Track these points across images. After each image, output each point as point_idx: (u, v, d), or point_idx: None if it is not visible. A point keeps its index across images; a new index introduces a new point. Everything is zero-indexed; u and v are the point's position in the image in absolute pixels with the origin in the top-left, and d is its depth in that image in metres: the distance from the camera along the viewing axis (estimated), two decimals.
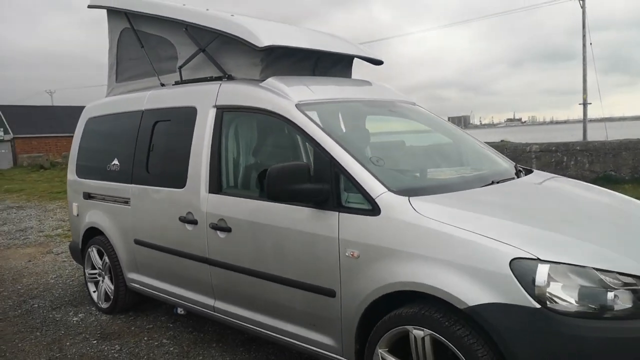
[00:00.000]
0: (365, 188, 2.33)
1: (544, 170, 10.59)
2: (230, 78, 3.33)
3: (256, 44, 3.01)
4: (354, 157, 2.44)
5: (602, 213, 2.58)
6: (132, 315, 4.06)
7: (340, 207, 2.42)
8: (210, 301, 3.18)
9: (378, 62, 3.90)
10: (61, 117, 38.57)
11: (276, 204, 2.62)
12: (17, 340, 3.67)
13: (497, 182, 2.72)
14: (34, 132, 38.36)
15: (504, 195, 2.57)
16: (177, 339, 3.54)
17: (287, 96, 2.83)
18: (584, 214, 2.49)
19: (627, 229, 2.39)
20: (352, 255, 2.33)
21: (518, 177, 3.03)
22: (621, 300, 1.86)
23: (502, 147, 11.50)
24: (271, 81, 2.99)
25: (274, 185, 2.40)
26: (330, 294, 2.43)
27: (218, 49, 3.42)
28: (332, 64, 3.68)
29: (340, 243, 2.38)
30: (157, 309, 4.13)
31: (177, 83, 3.74)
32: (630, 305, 1.86)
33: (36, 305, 4.42)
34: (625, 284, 1.88)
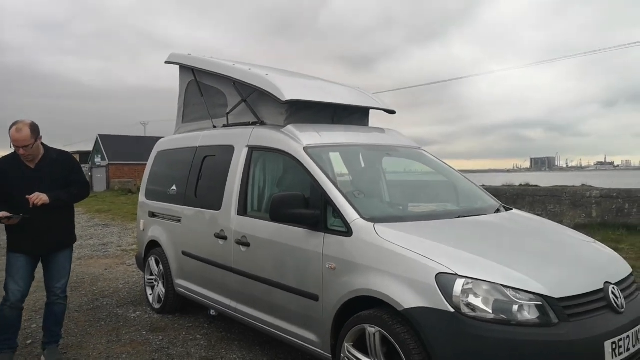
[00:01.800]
0: (344, 214, 2.96)
1: (605, 216, 10.34)
2: (262, 124, 4.13)
3: (280, 98, 3.79)
4: (340, 191, 3.09)
5: (537, 244, 3.02)
6: (177, 315, 4.86)
7: (326, 229, 3.06)
8: (232, 304, 3.89)
9: (391, 112, 4.55)
10: (151, 147, 42.26)
11: (280, 224, 3.31)
12: (86, 327, 4.58)
13: (463, 217, 3.23)
14: (126, 160, 42.40)
15: (456, 226, 3.08)
16: (208, 336, 4.27)
17: (298, 140, 3.55)
18: (518, 243, 2.97)
19: (553, 259, 2.80)
20: (330, 267, 2.94)
21: (498, 213, 3.51)
22: (527, 313, 2.32)
23: (561, 192, 11.40)
24: (289, 127, 3.73)
25: (276, 209, 3.10)
26: (315, 298, 3.05)
27: (256, 100, 4.25)
28: (349, 114, 4.37)
29: (323, 257, 3.00)
30: (197, 312, 4.90)
31: (224, 126, 4.62)
32: (534, 317, 2.32)
33: (105, 303, 5.37)
34: (531, 300, 2.34)
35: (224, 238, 3.91)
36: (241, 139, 4.09)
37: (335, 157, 3.70)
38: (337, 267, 2.91)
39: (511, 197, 11.51)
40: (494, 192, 11.92)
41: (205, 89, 4.96)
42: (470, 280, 2.38)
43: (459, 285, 2.36)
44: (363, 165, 3.93)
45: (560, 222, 10.29)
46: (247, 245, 3.65)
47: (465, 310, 2.34)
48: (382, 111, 4.60)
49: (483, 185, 14.11)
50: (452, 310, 2.34)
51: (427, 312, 2.40)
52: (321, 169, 3.27)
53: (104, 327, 4.56)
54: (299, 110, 4.02)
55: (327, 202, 3.10)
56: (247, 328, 4.17)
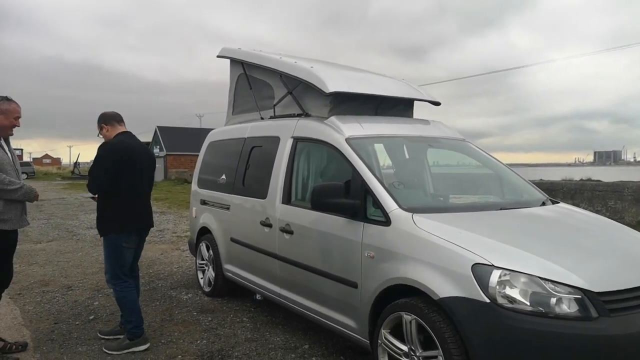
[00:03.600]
0: (383, 204, 3.02)
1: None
2: (307, 115, 4.23)
3: (324, 90, 3.87)
4: (379, 181, 3.15)
5: (582, 238, 2.94)
6: (226, 298, 5.10)
7: (365, 219, 3.13)
8: (277, 289, 4.04)
9: (436, 103, 4.52)
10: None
11: (322, 213, 3.41)
12: (143, 306, 4.87)
13: (505, 209, 3.19)
14: (183, 150, 44.05)
15: (497, 218, 3.06)
16: (254, 319, 4.46)
17: (340, 131, 3.63)
18: (560, 236, 2.90)
19: (597, 253, 2.73)
20: (369, 255, 3.01)
21: (543, 206, 3.45)
22: (566, 306, 2.30)
23: (622, 187, 10.83)
24: (332, 119, 3.81)
25: (317, 199, 3.20)
26: (354, 285, 3.13)
27: (301, 92, 4.36)
28: (392, 106, 4.39)
29: (362, 246, 3.08)
30: (245, 296, 5.11)
31: (271, 117, 4.76)
32: (573, 311, 2.29)
33: (160, 285, 5.71)
34: (570, 293, 2.31)
35: (269, 226, 4.07)
36: (286, 130, 4.22)
37: (378, 149, 3.75)
38: (376, 255, 2.97)
39: (568, 192, 11.05)
40: (550, 186, 11.50)
41: (254, 82, 5.12)
42: (507, 272, 2.37)
43: (495, 276, 2.37)
44: (407, 156, 3.94)
45: (622, 218, 9.79)
46: (290, 232, 3.78)
47: (501, 301, 2.34)
48: (429, 103, 4.58)
49: (540, 180, 13.64)
50: (488, 300, 2.35)
51: (463, 301, 2.42)
52: (362, 159, 3.33)
53: (158, 307, 4.86)
54: (343, 102, 4.09)
55: (366, 192, 3.16)
56: (290, 313, 4.32)
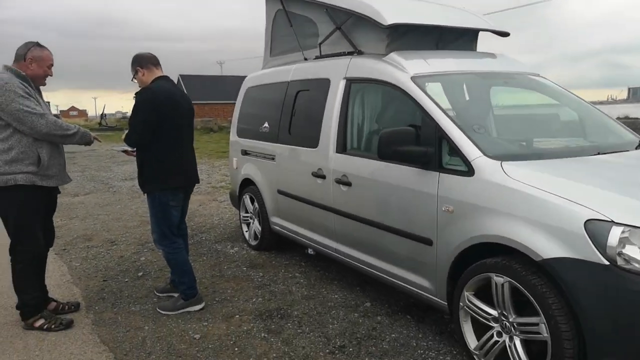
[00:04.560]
0: (463, 152, 2.64)
1: None
2: (360, 53, 3.79)
3: (381, 22, 3.41)
4: (457, 125, 2.75)
5: None
6: (273, 252, 4.90)
7: (440, 168, 2.77)
8: (333, 244, 3.79)
9: (504, 34, 3.99)
10: (229, 86, 43.24)
11: (387, 163, 3.06)
12: (191, 262, 4.72)
13: (604, 154, 2.77)
14: (206, 99, 43.73)
15: (600, 165, 2.64)
16: (306, 274, 4.26)
17: (404, 69, 3.20)
18: None
19: None
20: (447, 210, 2.68)
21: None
22: None
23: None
24: (392, 55, 3.37)
25: (384, 146, 2.84)
26: (428, 242, 2.82)
27: (351, 27, 3.89)
28: (455, 38, 3.89)
29: (438, 199, 2.73)
30: (293, 250, 4.91)
31: (317, 57, 4.33)
32: None
33: (204, 238, 5.56)
34: None
35: (322, 177, 3.75)
36: (337, 71, 3.80)
37: (449, 87, 3.31)
38: (456, 210, 2.63)
39: None
40: None
41: (295, 18, 4.65)
42: (628, 228, 2.01)
43: (615, 233, 2.01)
44: (480, 95, 3.50)
45: None
46: (348, 184, 3.47)
47: (621, 262, 1.99)
48: (495, 34, 4.06)
49: None
50: (607, 262, 2.00)
51: (573, 263, 2.08)
52: (433, 100, 2.92)
53: (206, 261, 4.71)
54: (401, 35, 3.62)
55: (441, 138, 2.78)
56: (344, 267, 4.10)
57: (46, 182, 3.16)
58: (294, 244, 4.63)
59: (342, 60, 3.82)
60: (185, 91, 3.65)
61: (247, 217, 5.25)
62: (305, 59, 4.52)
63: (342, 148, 3.62)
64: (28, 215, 3.12)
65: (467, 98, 3.45)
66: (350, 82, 3.65)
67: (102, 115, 43.76)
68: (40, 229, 3.21)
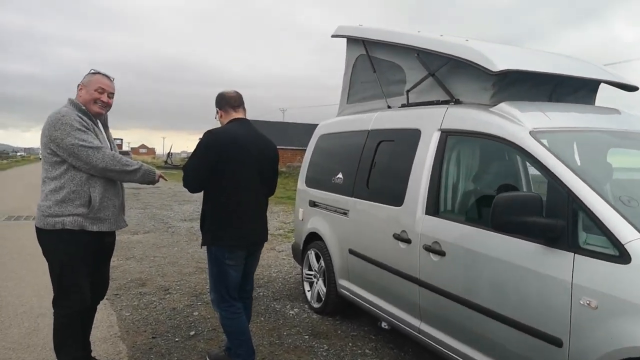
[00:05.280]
0: (612, 231, 2.05)
1: None
2: (457, 102, 3.33)
3: (490, 68, 2.94)
4: (598, 194, 2.17)
5: None
6: (338, 319, 4.34)
7: (576, 248, 2.17)
8: (415, 322, 3.19)
9: (632, 89, 3.40)
10: (289, 132, 44.12)
11: (498, 234, 2.50)
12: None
13: None
14: None
15: None
16: (378, 352, 3.65)
17: (519, 122, 2.68)
18: None
19: None
20: (588, 304, 2.06)
21: None
22: None
23: None
24: (503, 106, 2.87)
25: (500, 215, 2.29)
26: (556, 343, 2.19)
27: (447, 74, 3.46)
28: (573, 90, 3.34)
29: (573, 288, 2.13)
30: (361, 318, 4.33)
31: (403, 106, 3.90)
32: None
33: (261, 294, 5.10)
34: None
35: (407, 241, 3.22)
36: (430, 121, 3.34)
37: (575, 146, 2.75)
38: (601, 305, 2.01)
39: None
40: None
41: (378, 64, 4.30)
42: None
43: None
44: (603, 157, 2.90)
45: None
46: (440, 253, 2.91)
47: None
48: (614, 87, 3.48)
49: None
50: None
51: None
52: (562, 161, 2.37)
53: (264, 323, 4.22)
54: (510, 85, 3.13)
55: (576, 209, 2.20)
56: (421, 348, 3.48)
57: (97, 227, 2.79)
58: (361, 311, 4.06)
59: (437, 109, 3.36)
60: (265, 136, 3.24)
61: (310, 275, 4.75)
62: (389, 107, 4.12)
63: (433, 209, 3.10)
64: (73, 265, 2.76)
65: (600, 161, 2.84)
66: (447, 134, 3.16)
67: (169, 154, 45.70)
68: (86, 281, 2.84)
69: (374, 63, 4.33)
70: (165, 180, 3.22)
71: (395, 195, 3.45)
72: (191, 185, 2.97)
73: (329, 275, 4.34)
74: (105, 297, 4.65)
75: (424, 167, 3.24)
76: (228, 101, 3.11)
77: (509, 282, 2.45)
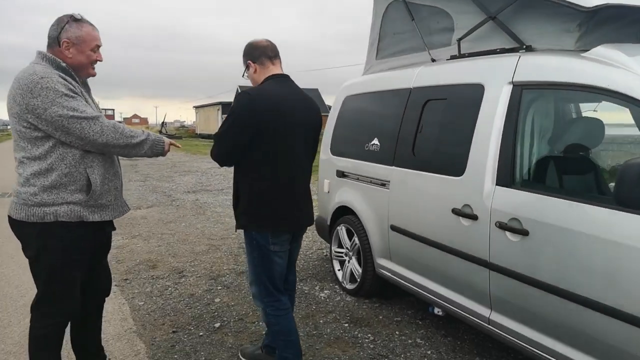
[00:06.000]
0: None
1: None
2: (529, 49, 2.77)
3: (581, 5, 2.38)
4: None
5: None
6: (376, 302, 3.90)
7: None
8: (484, 311, 2.73)
9: None
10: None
11: (611, 210, 2.00)
12: None
13: None
14: None
15: None
16: (431, 341, 3.22)
17: (631, 69, 2.14)
18: None
19: None
20: None
21: None
22: None
23: None
24: (601, 51, 2.32)
25: (631, 187, 1.79)
26: None
27: (513, 16, 2.88)
28: None
29: None
30: (402, 300, 3.90)
31: (453, 58, 3.34)
32: None
33: None
34: None
35: (471, 217, 2.73)
36: (497, 74, 2.78)
37: None
38: None
39: None
40: None
41: (417, 10, 3.69)
42: None
43: None
44: None
45: None
46: (522, 233, 2.42)
47: None
48: None
49: None
50: None
51: None
52: None
53: (295, 309, 3.75)
54: (599, 25, 2.57)
55: None
56: (478, 334, 3.07)
57: (99, 215, 2.24)
58: (400, 291, 3.62)
59: (504, 59, 2.80)
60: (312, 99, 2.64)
61: (341, 253, 4.28)
62: (433, 60, 3.55)
63: (507, 180, 2.58)
64: (68, 267, 2.21)
65: None
66: (521, 88, 2.62)
67: (163, 124, 44.77)
68: (79, 286, 2.29)
69: (412, 9, 3.73)
70: (178, 147, 2.66)
71: (453, 163, 2.93)
72: (223, 158, 2.43)
73: (364, 254, 3.87)
74: (115, 283, 4.23)
75: (492, 128, 2.70)
76: (264, 51, 2.50)
77: (626, 270, 1.96)
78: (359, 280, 3.98)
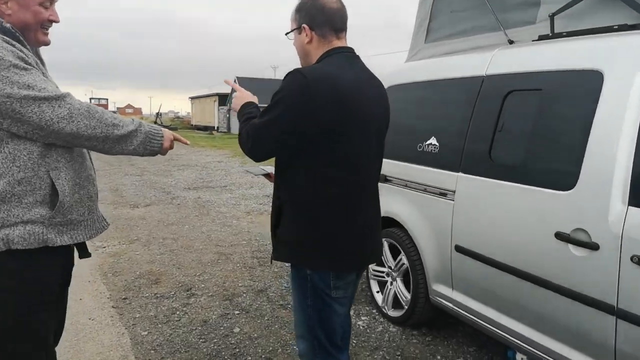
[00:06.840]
0: None
1: None
2: None
3: None
4: None
5: None
6: (426, 334, 3.25)
7: None
8: None
9: None
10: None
11: None
12: None
13: None
14: (263, 102, 42.85)
15: None
16: None
17: None
18: None
19: None
20: None
21: None
22: None
23: None
24: None
25: None
26: None
27: None
28: None
29: None
30: (456, 331, 3.25)
31: (542, 38, 2.66)
32: None
33: None
34: None
35: (589, 246, 2.06)
36: (622, 58, 2.11)
37: None
38: None
39: None
40: None
41: None
42: None
43: None
44: None
45: None
46: None
47: None
48: None
49: None
50: None
51: None
52: None
53: None
54: None
55: None
56: None
57: (69, 237, 1.57)
58: (451, 318, 2.97)
59: (630, 38, 2.13)
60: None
61: (382, 273, 3.61)
62: (511, 42, 2.87)
63: None
64: (30, 312, 1.52)
65: None
66: None
67: (158, 114, 43.89)
68: (50, 333, 1.63)
69: None
70: (187, 143, 1.95)
71: (556, 173, 2.27)
72: (262, 152, 1.70)
73: (415, 277, 3.21)
74: (112, 304, 3.56)
75: (621, 129, 2.03)
76: (331, 18, 1.76)
77: None
78: (406, 307, 3.31)
